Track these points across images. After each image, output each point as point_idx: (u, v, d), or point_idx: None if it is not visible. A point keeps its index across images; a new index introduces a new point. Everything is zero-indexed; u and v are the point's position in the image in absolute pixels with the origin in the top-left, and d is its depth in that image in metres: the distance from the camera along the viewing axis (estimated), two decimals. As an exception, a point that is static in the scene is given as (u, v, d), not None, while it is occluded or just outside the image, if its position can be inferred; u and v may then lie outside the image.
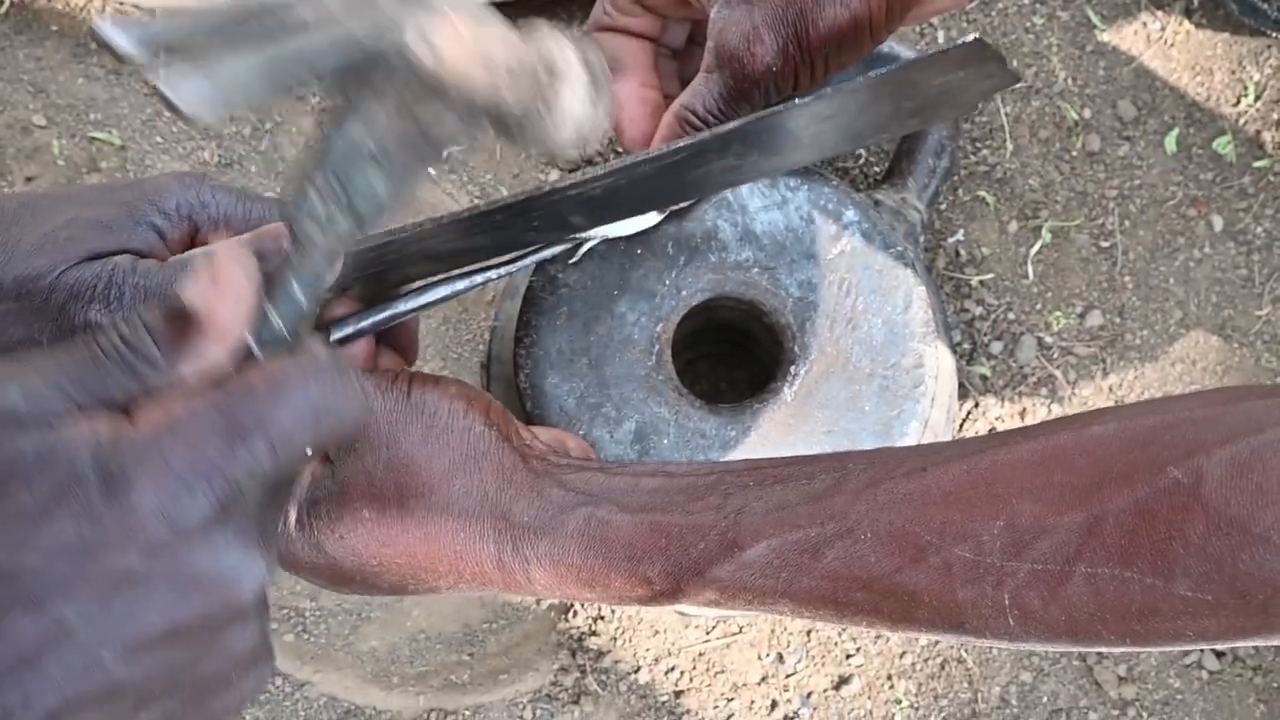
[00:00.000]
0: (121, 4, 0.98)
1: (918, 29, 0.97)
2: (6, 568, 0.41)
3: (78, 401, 0.44)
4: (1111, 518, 0.52)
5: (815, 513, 0.57)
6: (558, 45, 0.56)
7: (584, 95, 0.56)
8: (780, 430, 0.78)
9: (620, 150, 0.96)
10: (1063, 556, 0.52)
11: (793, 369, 0.78)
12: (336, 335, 0.63)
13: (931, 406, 0.79)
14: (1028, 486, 0.54)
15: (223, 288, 0.46)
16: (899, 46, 0.86)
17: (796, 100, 0.68)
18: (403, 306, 0.62)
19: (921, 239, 0.86)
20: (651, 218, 0.77)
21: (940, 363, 0.79)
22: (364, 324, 0.61)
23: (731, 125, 0.69)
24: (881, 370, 0.78)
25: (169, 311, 0.45)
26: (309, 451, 0.46)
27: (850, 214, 0.79)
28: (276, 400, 0.45)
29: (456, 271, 0.66)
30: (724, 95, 0.69)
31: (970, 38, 0.63)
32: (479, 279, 0.66)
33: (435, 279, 0.64)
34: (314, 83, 0.45)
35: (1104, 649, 0.55)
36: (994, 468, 0.55)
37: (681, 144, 0.69)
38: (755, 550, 0.57)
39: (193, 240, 0.59)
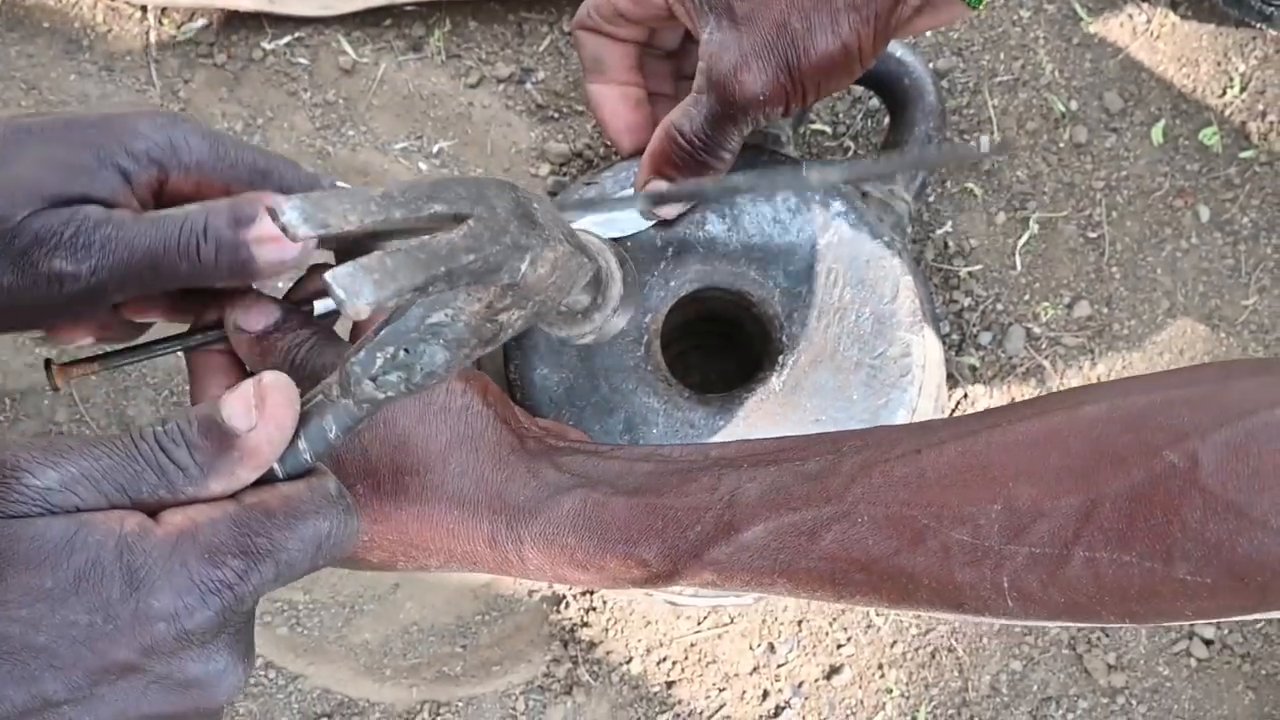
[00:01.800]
0: (113, 1, 0.98)
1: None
2: (15, 642, 0.43)
3: (109, 497, 0.45)
4: (1108, 501, 0.52)
5: (811, 494, 0.57)
6: (611, 262, 0.63)
7: (618, 306, 0.61)
8: (769, 419, 0.78)
9: (607, 145, 0.96)
10: (1061, 540, 0.53)
11: (781, 359, 0.78)
12: (321, 309, 0.63)
13: (919, 395, 0.79)
14: (1023, 469, 0.54)
15: (268, 419, 0.47)
16: (899, 48, 0.86)
17: (804, 171, 0.72)
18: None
19: (909, 230, 0.86)
20: (641, 223, 0.77)
21: (928, 352, 0.79)
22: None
23: (725, 186, 0.72)
24: (869, 360, 0.79)
25: (209, 425, 0.47)
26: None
27: (837, 205, 0.79)
28: (290, 529, 0.47)
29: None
30: (711, 119, 0.70)
31: (955, 144, 0.66)
32: None
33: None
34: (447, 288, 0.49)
35: (1103, 625, 0.55)
36: (989, 450, 0.56)
37: (676, 207, 0.72)
38: (752, 532, 0.57)
39: (162, 185, 0.57)
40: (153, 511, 0.46)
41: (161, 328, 0.64)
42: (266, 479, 0.48)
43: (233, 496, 0.47)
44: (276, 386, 0.48)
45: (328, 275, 0.44)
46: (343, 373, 0.50)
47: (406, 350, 0.50)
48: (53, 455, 0.45)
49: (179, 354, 0.63)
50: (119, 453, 0.46)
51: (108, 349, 0.63)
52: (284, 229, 0.46)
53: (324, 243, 0.58)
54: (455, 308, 0.51)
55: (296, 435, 0.49)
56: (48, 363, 0.62)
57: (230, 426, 0.47)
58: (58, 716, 0.43)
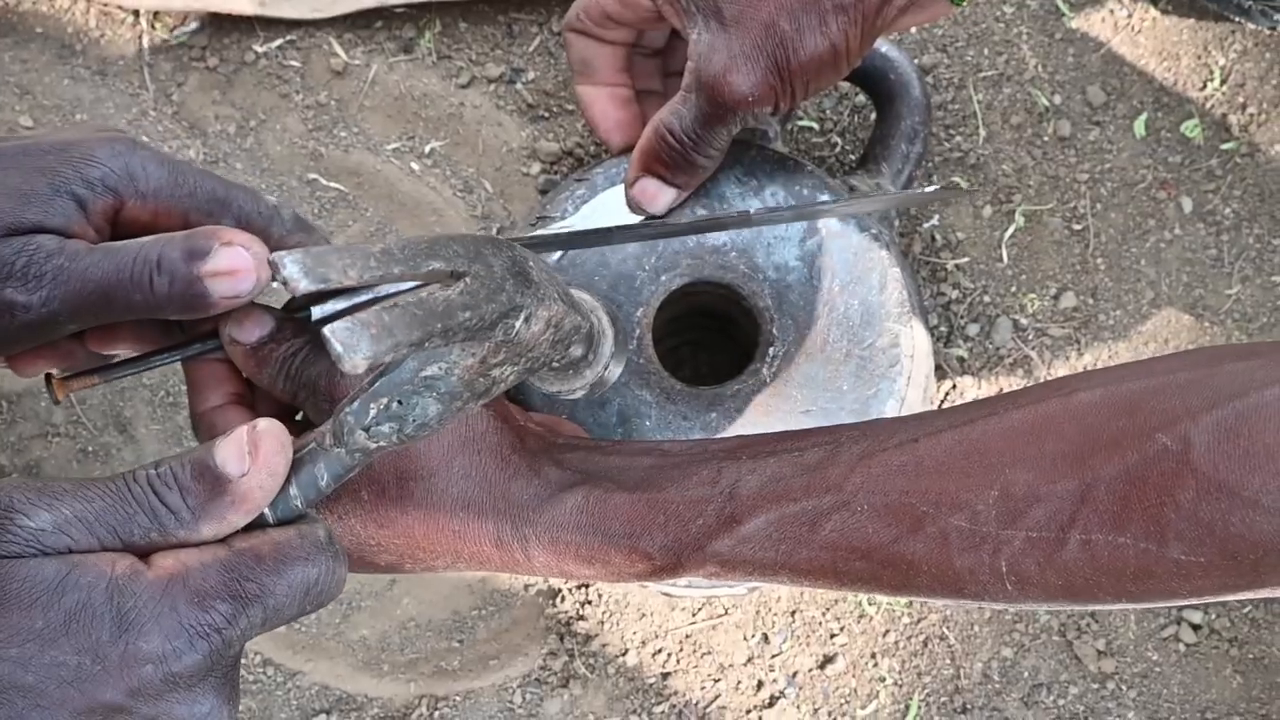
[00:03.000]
0: (105, 6, 0.99)
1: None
2: (4, 681, 0.43)
3: (101, 539, 0.46)
4: (1103, 485, 0.53)
5: (810, 485, 0.58)
6: (603, 319, 0.64)
7: (609, 363, 0.62)
8: (760, 411, 0.79)
9: (597, 144, 0.97)
10: (1057, 523, 0.53)
11: (771, 351, 0.79)
12: (318, 314, 0.64)
13: (908, 386, 0.80)
14: (1020, 455, 0.55)
15: (260, 465, 0.48)
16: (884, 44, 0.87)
17: (779, 210, 0.73)
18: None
19: (896, 223, 0.87)
20: (629, 218, 0.78)
21: (916, 342, 0.81)
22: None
23: (723, 219, 0.73)
24: (858, 350, 0.80)
25: (202, 469, 0.47)
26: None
27: (825, 198, 0.80)
28: (279, 574, 0.48)
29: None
30: (700, 118, 0.71)
31: (949, 184, 0.68)
32: None
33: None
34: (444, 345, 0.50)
35: (1100, 607, 0.56)
36: (985, 437, 0.56)
37: (674, 225, 0.73)
38: (753, 524, 0.58)
39: (118, 212, 0.57)
40: (144, 554, 0.46)
41: None
42: (257, 524, 0.49)
43: (223, 541, 0.48)
44: (270, 433, 0.48)
45: (326, 330, 0.45)
46: (336, 422, 0.51)
47: (400, 402, 0.51)
48: (46, 496, 0.45)
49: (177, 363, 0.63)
50: (112, 495, 0.46)
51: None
52: (285, 282, 0.46)
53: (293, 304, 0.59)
54: (450, 362, 0.52)
55: (288, 482, 0.50)
56: (48, 377, 0.62)
57: (223, 472, 0.47)
58: None
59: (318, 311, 0.64)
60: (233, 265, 0.54)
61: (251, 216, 0.59)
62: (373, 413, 0.51)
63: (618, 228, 0.76)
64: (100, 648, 0.44)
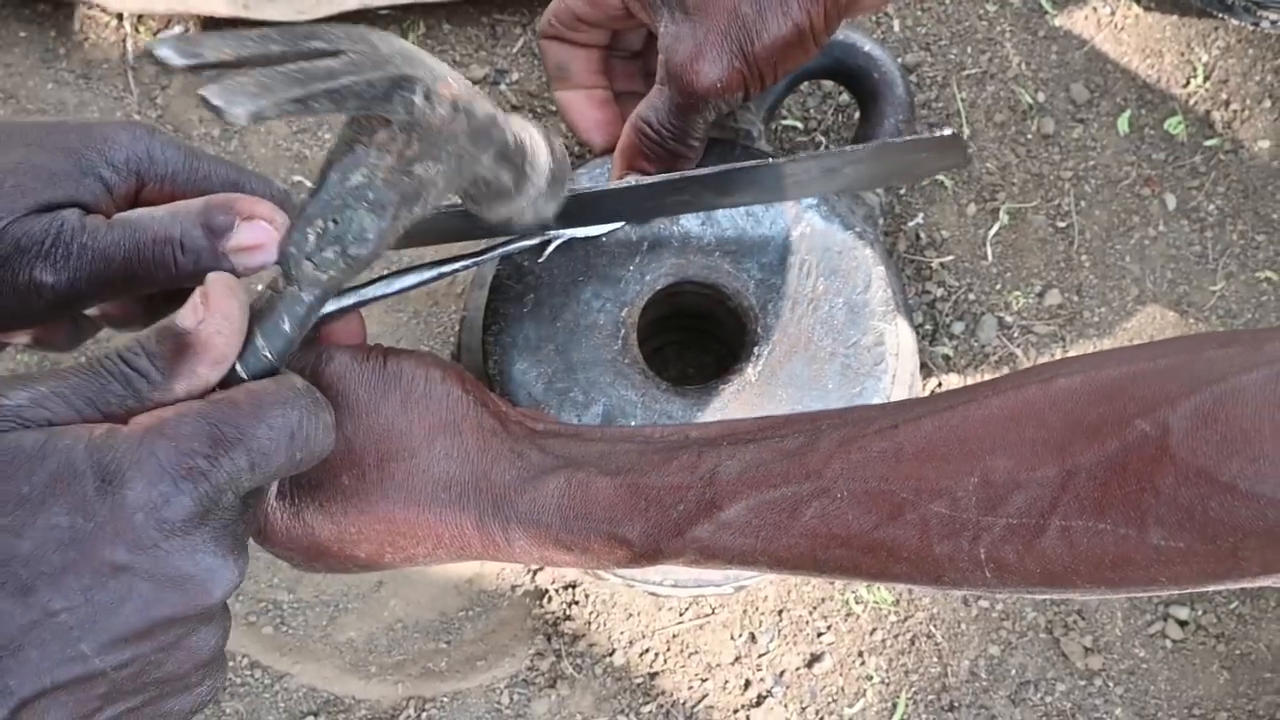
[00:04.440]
0: (89, 10, 0.99)
1: (874, 18, 0.99)
2: (2, 551, 0.43)
3: (78, 410, 0.47)
4: (1084, 472, 0.53)
5: (790, 471, 0.58)
6: (535, 136, 0.62)
7: (548, 183, 0.61)
8: (745, 409, 0.79)
9: (580, 145, 0.97)
10: (1037, 510, 0.53)
11: (756, 350, 0.80)
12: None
13: (893, 384, 0.80)
14: (1000, 442, 0.55)
15: (217, 315, 0.49)
16: (856, 36, 0.88)
17: (761, 161, 0.71)
18: (372, 292, 0.63)
19: (880, 221, 0.87)
20: (615, 221, 0.78)
21: (901, 340, 0.81)
22: (333, 307, 0.62)
23: (702, 172, 0.72)
24: (843, 349, 0.80)
25: (165, 332, 0.48)
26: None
27: (809, 198, 0.81)
28: (258, 417, 0.48)
29: (426, 259, 0.67)
30: (674, 109, 0.72)
31: (948, 132, 0.67)
32: (447, 269, 0.68)
33: (405, 267, 0.66)
34: (332, 112, 0.49)
35: (1080, 595, 0.56)
36: (965, 424, 0.56)
37: (650, 181, 0.72)
38: (733, 510, 0.58)
39: (138, 194, 0.58)
40: (123, 422, 0.47)
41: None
42: (232, 381, 0.50)
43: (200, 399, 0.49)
44: (216, 281, 0.49)
45: (203, 90, 0.44)
46: (281, 259, 0.51)
47: (335, 221, 0.51)
48: (24, 380, 0.47)
49: None
50: (85, 371, 0.47)
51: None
52: (160, 61, 0.46)
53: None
54: (369, 165, 0.51)
55: (252, 335, 0.50)
56: None
57: (182, 327, 0.48)
58: (56, 628, 0.44)
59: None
60: (255, 240, 0.55)
61: (264, 199, 0.60)
62: (311, 239, 0.51)
63: (630, 187, 0.74)
64: (88, 504, 0.44)
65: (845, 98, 0.98)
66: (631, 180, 0.74)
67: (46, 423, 0.46)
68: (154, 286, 0.56)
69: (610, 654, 0.95)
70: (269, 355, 0.51)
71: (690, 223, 0.80)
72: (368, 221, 0.52)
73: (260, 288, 0.52)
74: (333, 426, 0.52)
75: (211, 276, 0.49)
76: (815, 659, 0.95)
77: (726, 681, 0.95)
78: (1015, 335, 0.98)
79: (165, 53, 0.46)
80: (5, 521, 0.43)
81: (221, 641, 0.49)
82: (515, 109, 0.99)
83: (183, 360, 0.48)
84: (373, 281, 0.63)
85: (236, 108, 0.45)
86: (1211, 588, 0.55)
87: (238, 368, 0.50)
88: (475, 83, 0.99)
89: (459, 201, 0.61)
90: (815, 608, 0.96)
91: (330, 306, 0.61)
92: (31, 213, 0.55)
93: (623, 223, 0.79)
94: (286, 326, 0.51)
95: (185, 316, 0.49)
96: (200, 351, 0.48)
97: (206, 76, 0.48)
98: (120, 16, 0.99)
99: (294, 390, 0.50)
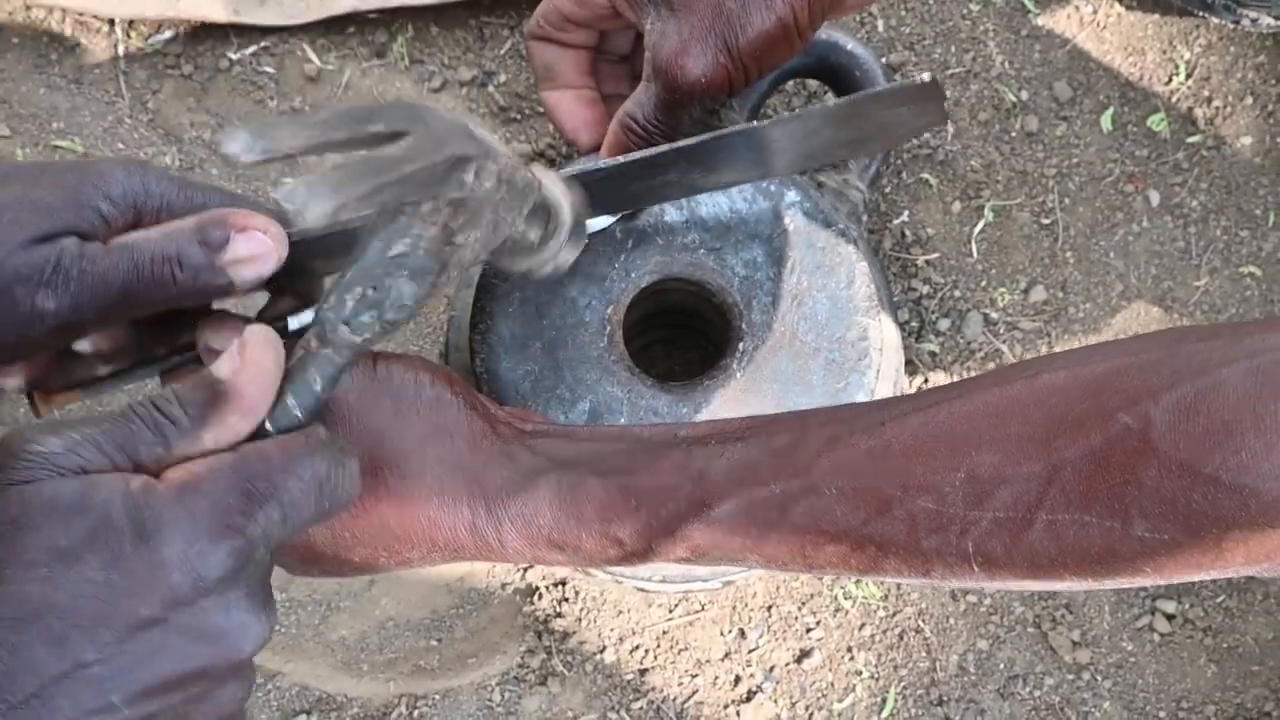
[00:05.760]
0: (81, 15, 1.00)
1: (858, 18, 1.00)
2: (37, 602, 0.44)
3: (111, 458, 0.47)
4: (1069, 466, 0.53)
5: (779, 469, 0.58)
6: (559, 191, 0.64)
7: (569, 236, 0.63)
8: (730, 405, 0.80)
9: (568, 145, 0.98)
10: (1023, 504, 0.54)
11: (741, 346, 0.80)
12: (295, 324, 0.64)
13: (877, 379, 0.81)
14: (985, 438, 0.55)
15: (251, 367, 0.50)
16: (839, 34, 0.88)
17: (739, 126, 0.71)
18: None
19: (864, 218, 0.88)
20: (604, 220, 0.79)
21: (885, 336, 0.81)
22: None
23: (681, 144, 0.72)
24: (827, 345, 0.80)
25: (199, 382, 0.49)
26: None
27: (792, 195, 0.81)
28: (288, 471, 0.49)
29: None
30: (660, 105, 0.72)
31: (925, 76, 0.67)
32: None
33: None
34: (394, 200, 0.52)
35: (1067, 586, 0.56)
36: (951, 420, 0.57)
37: (630, 158, 0.72)
38: (723, 508, 0.58)
39: (135, 228, 0.59)
40: (155, 474, 0.48)
41: None
42: (259, 437, 0.50)
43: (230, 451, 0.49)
44: (255, 334, 0.50)
45: (277, 191, 0.46)
46: (318, 322, 0.52)
47: (374, 288, 0.52)
48: (56, 425, 0.47)
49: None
50: (118, 418, 0.48)
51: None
52: (227, 157, 0.49)
53: (295, 246, 0.60)
54: (413, 235, 0.52)
55: (284, 392, 0.51)
56: (30, 394, 0.63)
57: (216, 377, 0.49)
58: (88, 679, 0.44)
59: (294, 322, 0.65)
60: (252, 251, 0.56)
61: None
62: (350, 304, 0.52)
63: (614, 166, 0.74)
64: (125, 560, 0.45)
65: (831, 98, 0.99)
66: (613, 160, 0.74)
67: (80, 470, 0.46)
68: (154, 307, 0.57)
69: (601, 651, 0.95)
70: (299, 413, 0.51)
71: (674, 219, 0.81)
72: (407, 289, 0.53)
73: (296, 349, 0.53)
74: (358, 474, 0.52)
75: (250, 329, 0.50)
76: (804, 654, 0.96)
77: (716, 677, 0.96)
78: (1001, 331, 0.98)
79: (235, 149, 0.48)
80: (43, 573, 0.44)
81: (247, 693, 0.50)
82: (503, 109, 1.00)
83: (214, 410, 0.49)
84: None
85: (312, 208, 0.47)
86: (1197, 578, 0.55)
87: (266, 424, 0.50)
88: (463, 85, 1.00)
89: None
90: (804, 603, 0.96)
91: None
92: (30, 244, 0.55)
93: (611, 220, 0.79)
94: (317, 386, 0.52)
95: (220, 365, 0.49)
96: (233, 402, 0.49)
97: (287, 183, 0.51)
98: (112, 22, 1.00)
99: (320, 442, 0.50)
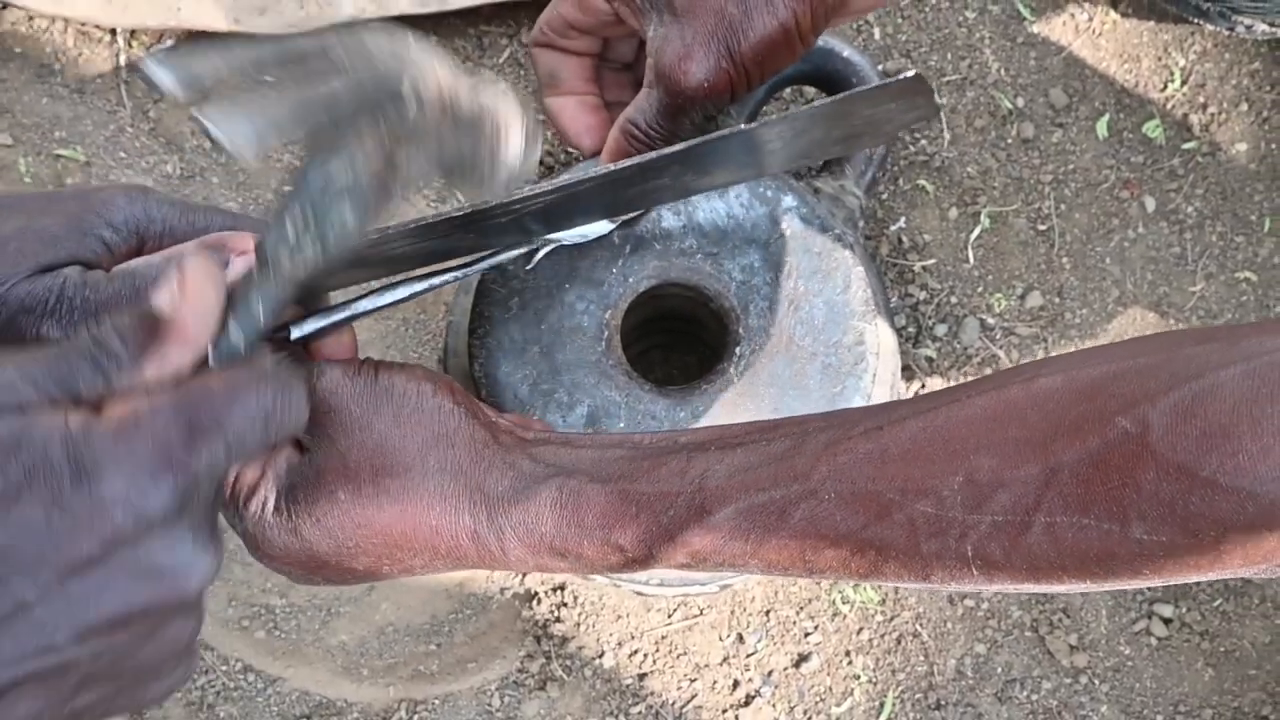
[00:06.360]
0: (83, 26, 1.00)
1: (854, 26, 1.01)
2: None
3: (49, 393, 0.46)
4: (1066, 469, 0.53)
5: (778, 474, 0.59)
6: (506, 103, 0.61)
7: (520, 149, 0.61)
8: (728, 409, 0.80)
9: (568, 151, 0.99)
10: (1022, 508, 0.54)
11: (738, 350, 0.81)
12: (297, 334, 0.65)
13: (874, 383, 0.82)
14: (983, 441, 0.56)
15: (191, 297, 0.48)
16: (835, 41, 0.89)
17: (730, 129, 0.72)
18: (363, 306, 0.64)
19: (861, 224, 0.89)
20: (603, 226, 0.79)
21: (881, 340, 0.82)
22: (324, 323, 0.62)
23: (674, 149, 0.73)
24: (824, 349, 0.81)
25: (137, 315, 0.48)
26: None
27: (789, 200, 0.82)
28: (232, 403, 0.48)
29: (416, 273, 0.68)
30: (662, 111, 0.72)
31: (911, 73, 0.67)
32: (437, 280, 0.68)
33: (395, 279, 0.67)
34: (329, 123, 0.50)
35: (1066, 588, 0.57)
36: (949, 424, 0.57)
37: (626, 164, 0.72)
38: (723, 514, 0.59)
39: (138, 254, 0.59)
40: (95, 408, 0.46)
41: None
42: (202, 367, 0.50)
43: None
44: (194, 263, 0.49)
45: (200, 114, 0.46)
46: (259, 249, 0.51)
47: (315, 215, 0.51)
48: None
49: None
50: (55, 350, 0.47)
51: None
52: (150, 83, 0.48)
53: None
54: (353, 161, 0.52)
55: (226, 323, 0.50)
56: None
57: (155, 308, 0.48)
58: (30, 620, 0.43)
59: (296, 332, 0.65)
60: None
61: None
62: (291, 232, 0.51)
63: (608, 172, 0.74)
64: (64, 499, 0.44)
65: (827, 104, 1.00)
66: (608, 166, 0.74)
67: (17, 407, 0.45)
68: None
69: (600, 655, 0.96)
70: (241, 342, 0.51)
71: (672, 225, 0.81)
72: (349, 216, 0.52)
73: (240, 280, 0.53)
74: (306, 399, 0.51)
75: (188, 258, 0.49)
76: (803, 659, 0.96)
77: (715, 682, 0.96)
78: (997, 337, 0.99)
79: (157, 74, 0.48)
80: None
81: (196, 630, 0.49)
82: (502, 119, 1.01)
83: (154, 342, 0.48)
84: (363, 296, 0.64)
85: (243, 147, 0.47)
86: (1194, 579, 0.55)
87: (210, 355, 0.50)
88: (463, 93, 1.00)
89: (441, 214, 0.62)
90: (802, 608, 0.97)
91: (321, 322, 0.62)
92: (34, 274, 0.56)
93: (608, 228, 0.80)
94: (260, 315, 0.51)
95: (159, 295, 0.48)
96: (173, 333, 0.48)
97: (203, 102, 0.50)
98: (113, 32, 1.00)
99: (264, 373, 0.49)
